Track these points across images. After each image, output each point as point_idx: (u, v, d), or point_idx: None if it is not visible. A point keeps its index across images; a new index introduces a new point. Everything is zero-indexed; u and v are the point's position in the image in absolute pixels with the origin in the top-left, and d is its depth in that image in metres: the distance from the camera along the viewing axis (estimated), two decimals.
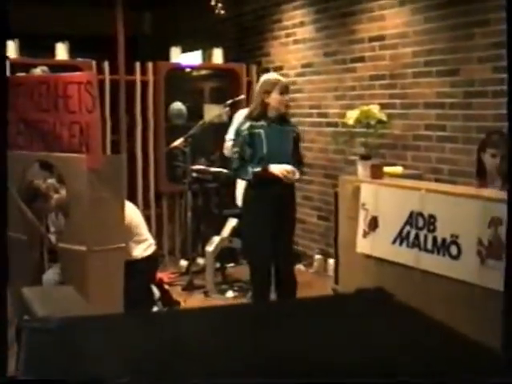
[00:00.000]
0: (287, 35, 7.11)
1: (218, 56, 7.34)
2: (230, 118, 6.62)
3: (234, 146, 4.69)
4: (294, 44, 7.02)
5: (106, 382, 1.04)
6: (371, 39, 5.97)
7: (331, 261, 6.52)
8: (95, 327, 1.19)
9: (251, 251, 4.73)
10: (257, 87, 4.82)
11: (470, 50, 5.00)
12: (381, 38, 5.85)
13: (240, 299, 5.81)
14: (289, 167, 4.45)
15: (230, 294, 5.92)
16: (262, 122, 4.56)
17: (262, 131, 4.54)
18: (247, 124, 4.58)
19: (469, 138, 5.08)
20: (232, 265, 6.72)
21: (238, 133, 4.66)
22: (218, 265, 6.22)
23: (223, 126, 6.97)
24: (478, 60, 4.94)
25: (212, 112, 6.96)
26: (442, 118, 5.32)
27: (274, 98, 4.54)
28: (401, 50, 5.66)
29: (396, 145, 5.74)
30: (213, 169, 6.56)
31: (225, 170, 6.53)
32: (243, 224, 4.84)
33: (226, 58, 7.44)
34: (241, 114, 5.82)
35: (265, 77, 4.83)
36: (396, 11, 5.67)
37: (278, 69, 7.19)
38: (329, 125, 6.61)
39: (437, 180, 5.27)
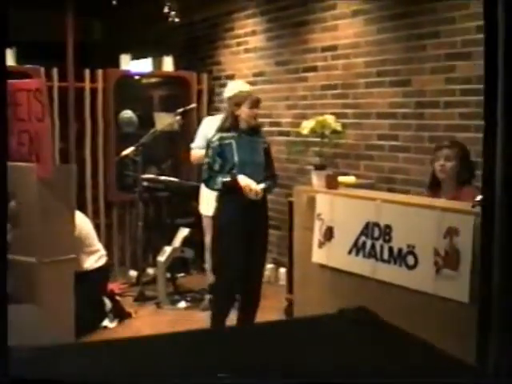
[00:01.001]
0: (239, 44, 7.09)
1: (168, 64, 7.28)
2: (183, 127, 6.58)
3: (204, 156, 4.67)
4: (246, 53, 7.00)
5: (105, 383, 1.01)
6: (324, 49, 5.99)
7: (283, 270, 6.51)
8: (67, 354, 1.14)
9: (222, 261, 4.69)
10: (227, 98, 4.80)
11: (423, 61, 5.05)
12: (333, 47, 5.87)
13: (193, 310, 5.75)
14: (253, 185, 4.45)
15: (182, 304, 5.85)
16: (233, 133, 4.56)
17: (232, 141, 4.55)
18: (218, 135, 4.58)
19: (421, 147, 5.13)
20: (182, 275, 6.66)
21: (208, 144, 4.64)
22: (168, 275, 6.14)
23: (174, 135, 6.92)
24: (431, 71, 5.00)
25: (162, 120, 6.87)
26: (395, 128, 5.36)
27: (243, 111, 4.55)
28: (353, 60, 5.69)
29: (349, 154, 5.76)
30: (163, 178, 6.47)
31: (176, 179, 6.47)
32: (215, 234, 4.80)
33: (177, 66, 7.38)
34: (207, 121, 5.79)
35: (231, 87, 4.76)
36: (349, 22, 5.70)
37: (229, 77, 7.17)
38: (281, 134, 6.60)
39: (390, 189, 5.31)
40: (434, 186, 4.31)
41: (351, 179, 5.10)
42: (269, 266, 6.69)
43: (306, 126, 4.11)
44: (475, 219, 3.04)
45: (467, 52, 4.71)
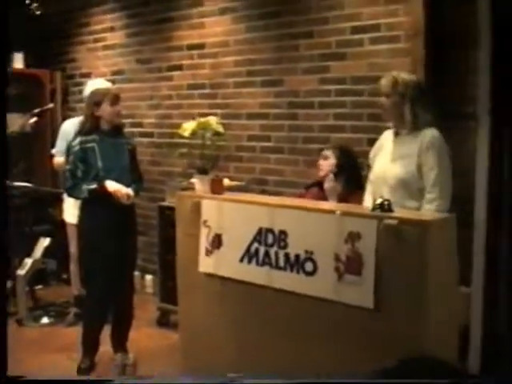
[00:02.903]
0: (96, 40, 6.74)
1: (18, 60, 6.78)
2: (36, 129, 6.17)
3: (65, 163, 4.32)
4: (104, 50, 6.66)
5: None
6: (190, 47, 5.80)
7: (149, 277, 6.26)
8: None
9: (89, 273, 4.37)
10: (85, 99, 4.52)
11: (296, 61, 4.99)
12: (200, 46, 5.70)
13: (58, 326, 5.36)
14: (124, 189, 4.19)
15: (45, 320, 5.44)
16: (94, 136, 4.24)
17: (94, 145, 4.22)
18: (78, 139, 4.24)
19: (294, 148, 5.08)
20: (40, 287, 6.21)
21: (68, 149, 4.30)
22: (26, 288, 5.69)
23: (26, 137, 6.47)
24: (304, 71, 4.95)
25: (14, 121, 6.40)
26: (267, 129, 5.27)
27: (105, 110, 4.24)
28: (221, 58, 5.55)
29: (218, 156, 5.59)
30: (17, 183, 5.97)
31: (31, 185, 6.03)
32: (81, 245, 4.46)
33: (28, 62, 6.89)
34: (67, 125, 5.39)
35: (92, 86, 4.53)
36: (216, 19, 5.55)
37: (85, 76, 6.81)
38: (143, 135, 6.33)
39: (262, 191, 5.22)
40: (315, 187, 4.31)
41: (225, 181, 4.94)
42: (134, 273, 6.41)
43: (187, 127, 3.89)
44: (378, 223, 2.97)
45: (342, 52, 4.70)
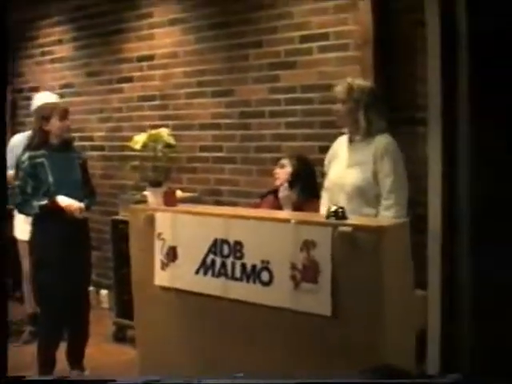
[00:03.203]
0: (43, 53, 6.66)
1: None
2: None
3: (15, 178, 4.25)
4: (52, 63, 6.59)
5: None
6: (139, 59, 5.76)
7: (104, 292, 6.18)
8: None
9: (43, 291, 4.30)
10: (33, 113, 4.47)
11: (245, 71, 5.00)
12: (150, 57, 5.67)
13: (12, 344, 5.22)
14: (76, 204, 4.14)
15: None
16: (43, 151, 4.19)
17: (44, 160, 4.17)
18: (27, 154, 4.18)
19: (247, 158, 5.08)
20: None
21: (17, 164, 4.22)
22: None
23: None
24: (254, 81, 4.96)
25: None
26: (219, 139, 5.26)
27: (54, 125, 4.20)
28: (171, 70, 5.53)
29: (170, 168, 5.56)
30: None
31: None
32: (33, 262, 4.39)
33: None
34: (16, 139, 5.30)
35: (39, 100, 4.47)
36: (166, 30, 5.53)
37: (33, 90, 6.70)
38: (94, 148, 6.26)
39: (217, 202, 5.21)
40: (271, 195, 4.30)
41: (178, 193, 4.91)
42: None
43: (139, 140, 3.86)
44: (332, 230, 2.98)
45: (291, 61, 4.72)
